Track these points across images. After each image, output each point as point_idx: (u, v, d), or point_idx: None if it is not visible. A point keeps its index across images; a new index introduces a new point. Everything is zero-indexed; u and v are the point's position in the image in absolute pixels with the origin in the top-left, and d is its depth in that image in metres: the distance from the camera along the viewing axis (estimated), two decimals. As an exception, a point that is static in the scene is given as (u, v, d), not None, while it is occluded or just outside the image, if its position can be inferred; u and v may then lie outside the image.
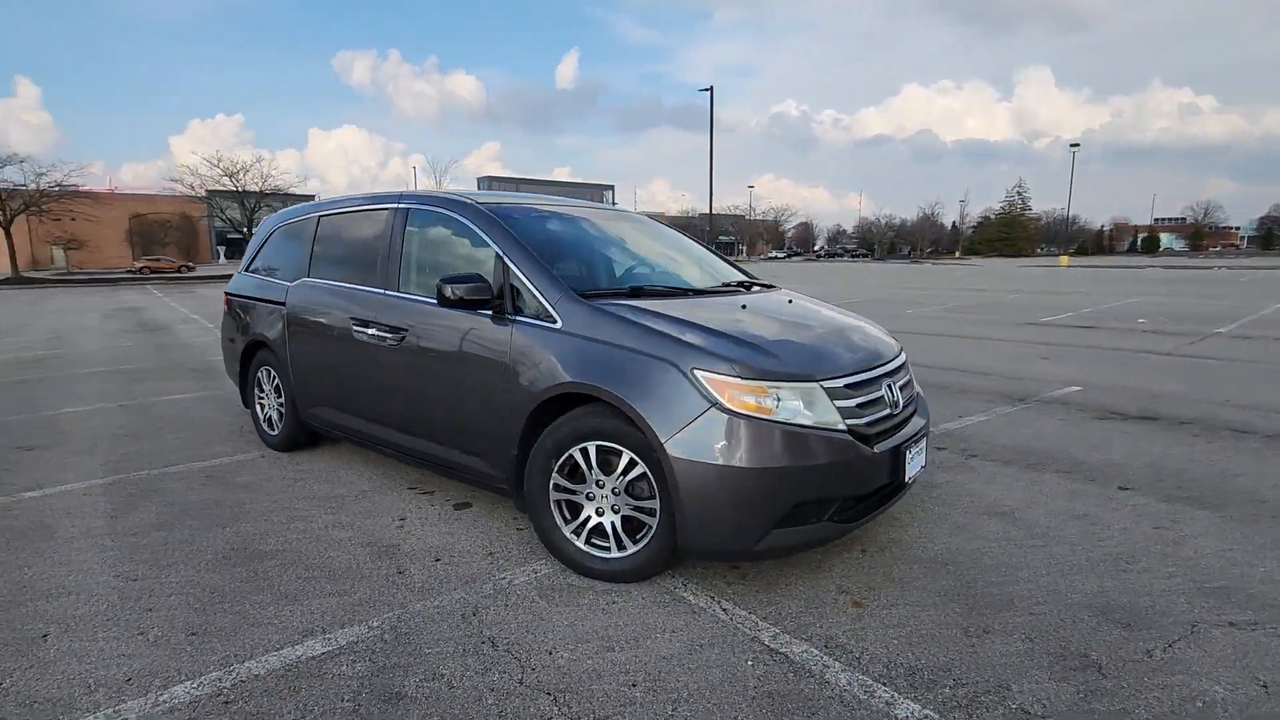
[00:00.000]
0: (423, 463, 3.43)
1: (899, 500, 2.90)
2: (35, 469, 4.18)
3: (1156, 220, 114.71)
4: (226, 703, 1.97)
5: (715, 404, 2.36)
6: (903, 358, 3.09)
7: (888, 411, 2.71)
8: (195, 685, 2.05)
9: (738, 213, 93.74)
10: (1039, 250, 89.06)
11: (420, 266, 3.46)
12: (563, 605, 2.50)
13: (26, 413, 5.73)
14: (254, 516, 3.38)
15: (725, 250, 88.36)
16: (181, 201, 46.47)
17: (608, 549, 2.65)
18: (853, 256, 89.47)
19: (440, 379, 3.19)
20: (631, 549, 2.60)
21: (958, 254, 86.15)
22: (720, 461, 2.32)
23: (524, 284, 2.91)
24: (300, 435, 4.32)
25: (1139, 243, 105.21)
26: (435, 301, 3.05)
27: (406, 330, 3.32)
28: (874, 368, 2.76)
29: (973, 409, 5.49)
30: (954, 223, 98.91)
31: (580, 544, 2.69)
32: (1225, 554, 2.87)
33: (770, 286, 3.84)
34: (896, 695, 1.99)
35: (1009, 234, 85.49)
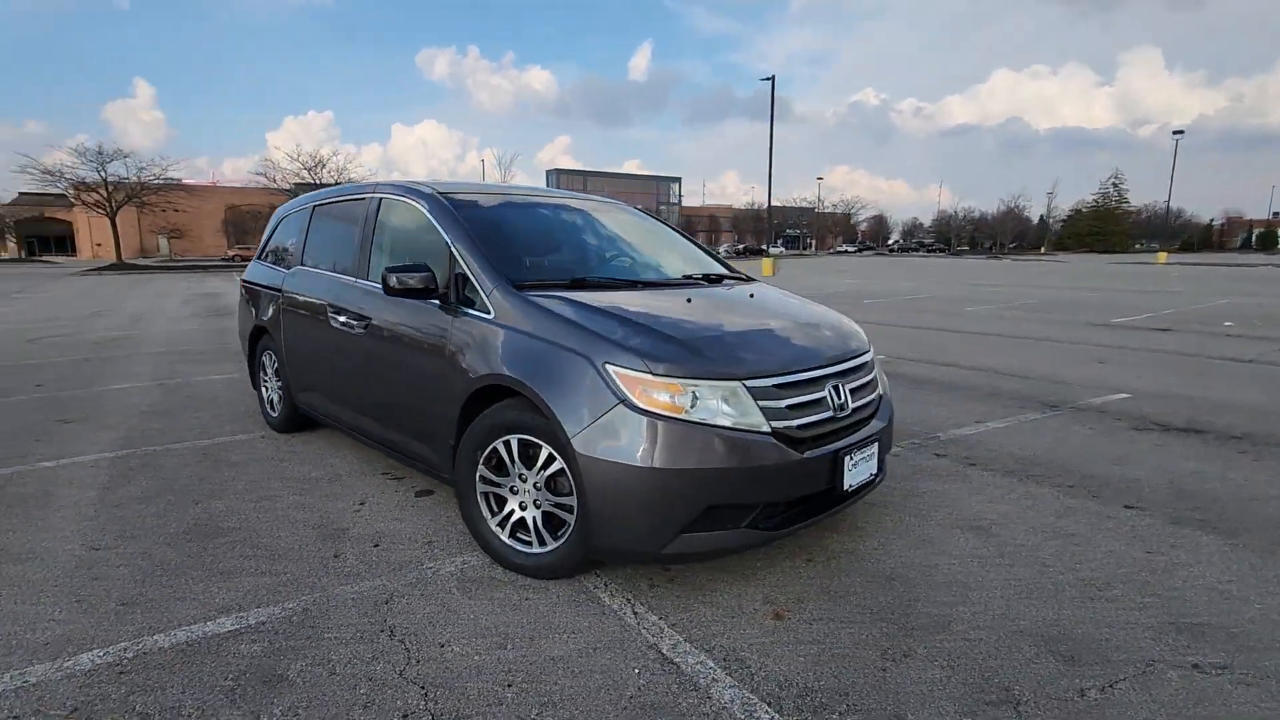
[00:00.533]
0: (390, 450, 3.48)
1: (841, 510, 2.70)
2: (64, 441, 4.51)
3: (1276, 214, 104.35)
4: (121, 673, 2.05)
5: (624, 400, 2.27)
6: (864, 359, 2.90)
7: (828, 415, 2.55)
8: (101, 654, 2.14)
9: (807, 205, 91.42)
10: (1137, 246, 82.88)
11: (388, 255, 3.51)
12: (476, 598, 2.48)
13: (81, 388, 6.19)
14: (228, 494, 3.52)
15: (791, 244, 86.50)
16: (270, 193, 49.32)
17: (530, 543, 2.61)
18: (928, 251, 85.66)
19: (398, 367, 3.23)
20: (552, 545, 2.55)
21: (1043, 249, 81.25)
22: (625, 460, 2.24)
23: (467, 273, 2.89)
24: (297, 417, 4.48)
25: (1254, 238, 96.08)
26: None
27: (371, 318, 3.38)
28: (817, 368, 2.59)
29: (994, 414, 5.14)
30: (1041, 216, 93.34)
31: (504, 537, 2.66)
32: (1219, 587, 2.56)
33: (747, 280, 3.69)
34: (778, 717, 1.86)
35: (1101, 228, 79.82)
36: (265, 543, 2.95)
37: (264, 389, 4.83)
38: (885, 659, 2.12)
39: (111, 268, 34.06)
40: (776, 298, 3.32)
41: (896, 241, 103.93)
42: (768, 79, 29.27)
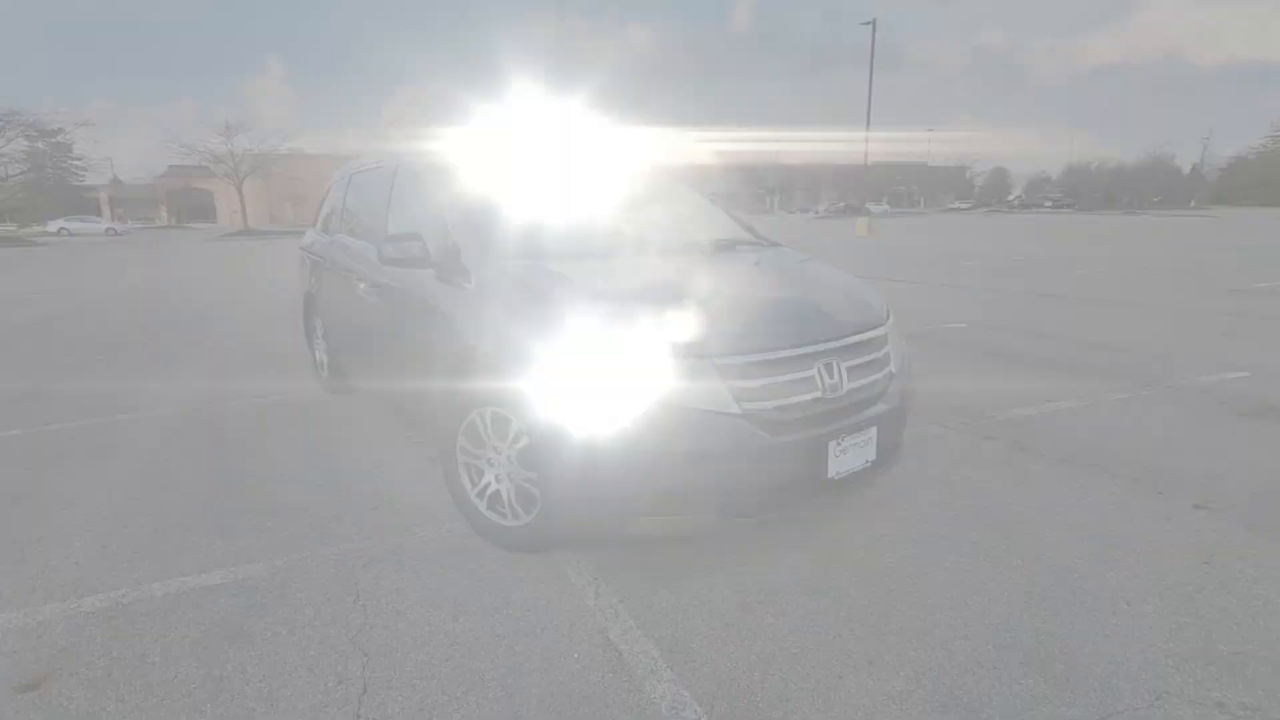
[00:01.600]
0: (404, 414, 3.57)
1: (827, 498, 2.49)
2: (145, 395, 4.94)
3: None
4: (111, 618, 2.22)
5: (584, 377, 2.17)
6: (871, 334, 2.61)
7: (815, 395, 2.33)
8: (103, 598, 2.33)
9: (917, 160, 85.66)
10: (1317, 198, 71.89)
11: (402, 223, 3.53)
12: (448, 569, 2.50)
13: (177, 346, 6.80)
14: (262, 451, 3.74)
15: (897, 202, 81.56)
16: (379, 161, 51.84)
17: (505, 515, 2.59)
18: (1055, 207, 77.92)
19: (401, 335, 3.27)
20: (525, 519, 2.52)
21: (1193, 203, 72.04)
22: (580, 438, 2.15)
23: (458, 243, 2.86)
24: (342, 379, 4.69)
25: None
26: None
27: (382, 285, 3.43)
28: (806, 344, 2.37)
29: (1070, 391, 4.61)
30: (1194, 166, 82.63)
31: (483, 508, 2.66)
32: (1283, 609, 2.16)
33: (768, 245, 3.45)
34: (705, 718, 1.75)
35: (1272, 177, 69.69)
36: (275, 500, 3.11)
37: (316, 351, 5.09)
38: (845, 664, 1.95)
39: (239, 234, 37.24)
40: (786, 265, 3.07)
41: (1018, 197, 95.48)
42: (868, 23, 27.25)
